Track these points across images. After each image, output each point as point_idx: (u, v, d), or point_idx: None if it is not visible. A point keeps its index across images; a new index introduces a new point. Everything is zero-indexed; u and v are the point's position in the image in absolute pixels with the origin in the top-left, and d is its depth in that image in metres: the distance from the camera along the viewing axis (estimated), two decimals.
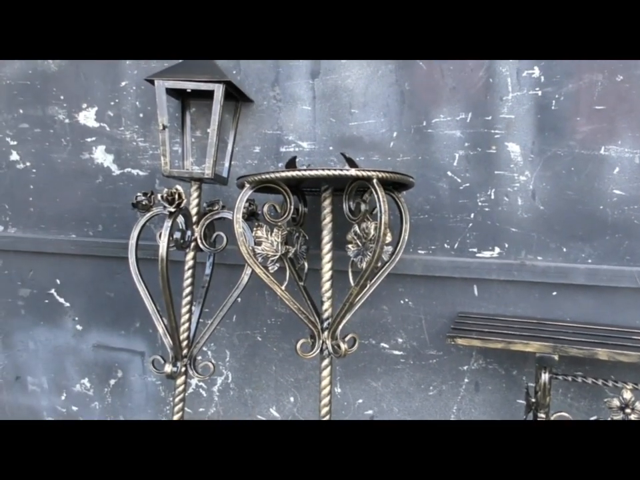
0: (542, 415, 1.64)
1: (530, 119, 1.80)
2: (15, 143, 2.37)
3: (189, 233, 1.87)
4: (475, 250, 1.92)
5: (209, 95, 1.85)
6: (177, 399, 1.91)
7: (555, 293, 1.85)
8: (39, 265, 2.45)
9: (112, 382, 2.46)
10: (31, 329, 2.53)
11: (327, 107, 1.98)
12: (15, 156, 2.38)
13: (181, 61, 1.89)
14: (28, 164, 2.37)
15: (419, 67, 1.87)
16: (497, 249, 1.89)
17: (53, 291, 2.46)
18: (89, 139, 2.27)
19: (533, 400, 1.68)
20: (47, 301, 2.48)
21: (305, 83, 1.99)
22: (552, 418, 1.65)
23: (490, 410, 1.99)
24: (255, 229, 1.74)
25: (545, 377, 1.62)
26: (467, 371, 1.99)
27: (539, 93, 1.78)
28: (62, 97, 2.28)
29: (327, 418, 1.76)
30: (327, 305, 1.75)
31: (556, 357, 1.58)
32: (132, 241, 1.88)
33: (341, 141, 1.98)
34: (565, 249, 1.83)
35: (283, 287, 1.70)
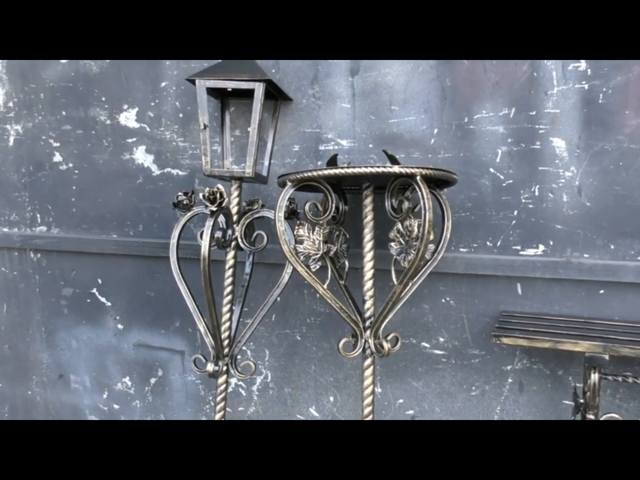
0: (591, 416, 1.60)
1: (576, 114, 1.75)
2: (58, 144, 2.41)
3: (229, 232, 1.87)
4: (519, 248, 1.88)
5: (248, 94, 1.85)
6: (218, 398, 1.91)
7: (602, 292, 1.81)
8: (81, 264, 2.49)
9: (152, 381, 2.49)
10: (73, 328, 2.57)
11: (367, 104, 1.96)
12: (58, 157, 2.42)
13: (219, 60, 1.89)
14: (70, 165, 2.41)
15: (461, 62, 1.84)
16: (542, 247, 1.85)
17: (94, 290, 2.49)
18: (129, 140, 2.30)
19: (582, 401, 1.64)
20: (89, 301, 2.51)
21: (345, 81, 1.98)
22: (602, 419, 1.61)
23: (535, 411, 1.95)
24: (296, 227, 1.73)
25: (594, 377, 1.58)
26: (510, 371, 1.96)
27: (586, 86, 1.73)
28: (103, 99, 2.31)
29: (369, 418, 1.74)
30: (369, 303, 1.73)
31: (606, 357, 1.54)
32: (173, 240, 1.89)
33: (381, 139, 1.96)
34: (612, 246, 1.78)
35: (325, 286, 1.69)
